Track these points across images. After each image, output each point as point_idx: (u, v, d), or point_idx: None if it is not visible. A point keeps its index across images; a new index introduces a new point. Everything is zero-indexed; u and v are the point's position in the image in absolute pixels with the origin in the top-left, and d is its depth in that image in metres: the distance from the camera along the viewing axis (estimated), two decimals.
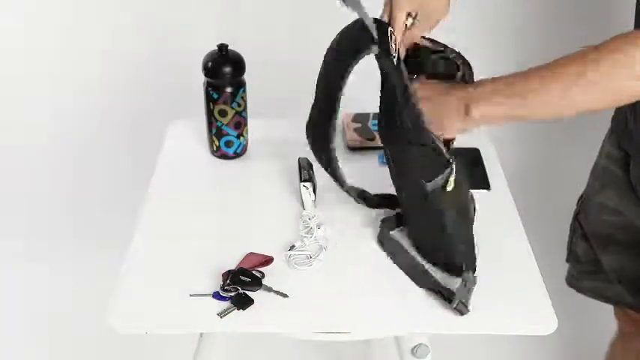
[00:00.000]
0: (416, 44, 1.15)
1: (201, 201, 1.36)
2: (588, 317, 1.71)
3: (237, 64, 1.40)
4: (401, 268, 1.17)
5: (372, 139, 1.46)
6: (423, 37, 1.15)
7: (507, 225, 1.27)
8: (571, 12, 2.00)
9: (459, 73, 1.13)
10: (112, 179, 2.24)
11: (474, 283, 1.11)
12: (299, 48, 2.08)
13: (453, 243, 1.13)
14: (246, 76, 1.41)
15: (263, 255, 1.19)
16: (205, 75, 1.39)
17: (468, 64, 1.13)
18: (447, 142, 1.11)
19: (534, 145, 2.28)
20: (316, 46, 2.14)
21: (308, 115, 1.21)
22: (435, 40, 1.16)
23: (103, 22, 2.09)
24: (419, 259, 1.19)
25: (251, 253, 1.20)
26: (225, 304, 1.10)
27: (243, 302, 1.10)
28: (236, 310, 1.09)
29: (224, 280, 1.13)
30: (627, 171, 1.31)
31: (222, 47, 1.38)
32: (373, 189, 1.30)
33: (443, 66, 1.14)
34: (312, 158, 1.36)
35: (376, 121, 1.27)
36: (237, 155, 1.46)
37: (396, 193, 1.21)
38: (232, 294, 1.11)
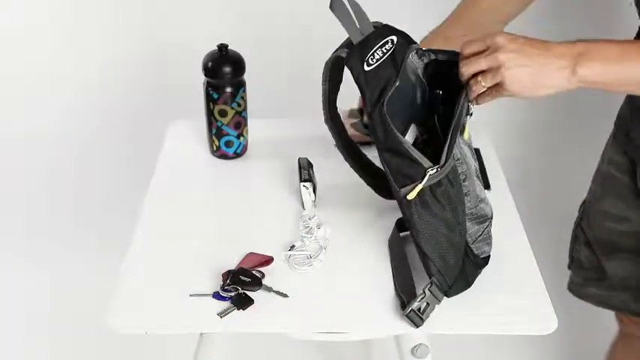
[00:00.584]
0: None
1: (201, 201, 1.36)
2: (588, 317, 1.71)
3: (237, 64, 1.40)
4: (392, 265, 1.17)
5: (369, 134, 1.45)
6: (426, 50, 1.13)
7: (507, 225, 1.26)
8: (570, 9, 1.99)
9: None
10: (112, 179, 2.24)
11: (437, 301, 1.07)
12: (299, 48, 2.08)
13: (426, 255, 1.09)
14: (246, 76, 1.41)
15: (263, 255, 1.19)
16: (205, 75, 1.39)
17: None
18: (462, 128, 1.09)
19: (534, 145, 2.27)
20: (316, 46, 2.14)
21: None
22: (442, 50, 1.13)
23: (102, 22, 2.09)
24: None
25: (251, 253, 1.20)
26: (225, 304, 1.10)
27: (243, 302, 1.10)
28: (236, 310, 1.09)
29: (224, 280, 1.13)
30: (633, 178, 1.30)
31: (222, 47, 1.38)
32: (373, 191, 1.30)
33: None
34: (312, 159, 1.36)
35: None
36: (237, 155, 1.46)
37: None
38: (232, 294, 1.11)
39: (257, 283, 1.13)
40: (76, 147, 2.24)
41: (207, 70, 1.39)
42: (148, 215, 1.30)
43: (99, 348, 1.90)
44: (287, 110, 2.00)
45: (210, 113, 1.42)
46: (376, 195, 1.30)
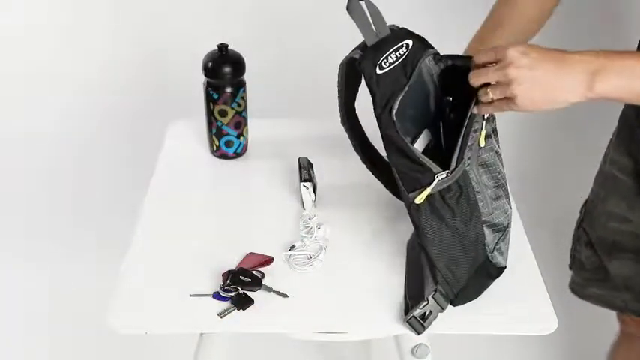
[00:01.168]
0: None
1: (201, 201, 1.36)
2: (588, 317, 1.71)
3: (237, 64, 1.40)
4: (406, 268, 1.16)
5: None
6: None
7: None
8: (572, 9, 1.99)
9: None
10: (112, 179, 2.25)
11: (440, 309, 1.06)
12: (299, 48, 2.08)
13: (432, 262, 1.07)
14: (246, 76, 1.41)
15: (263, 255, 1.19)
16: (205, 75, 1.39)
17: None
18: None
19: (535, 145, 2.28)
20: (316, 46, 2.15)
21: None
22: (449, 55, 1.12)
23: (102, 22, 2.09)
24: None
25: (251, 253, 1.20)
26: (225, 304, 1.10)
27: (243, 302, 1.10)
28: (236, 310, 1.09)
29: (224, 280, 1.13)
30: (636, 178, 1.30)
31: (222, 47, 1.38)
32: (373, 191, 1.30)
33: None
34: (312, 159, 1.36)
35: None
36: (237, 155, 1.46)
37: None
38: (232, 294, 1.11)
39: (257, 283, 1.13)
40: (76, 147, 2.24)
41: (207, 70, 1.39)
42: (148, 215, 1.30)
43: (99, 348, 1.90)
44: (287, 110, 2.00)
45: (210, 113, 1.42)
46: (376, 195, 1.30)
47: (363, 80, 1.08)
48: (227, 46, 1.39)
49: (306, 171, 1.32)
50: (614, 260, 1.39)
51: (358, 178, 1.34)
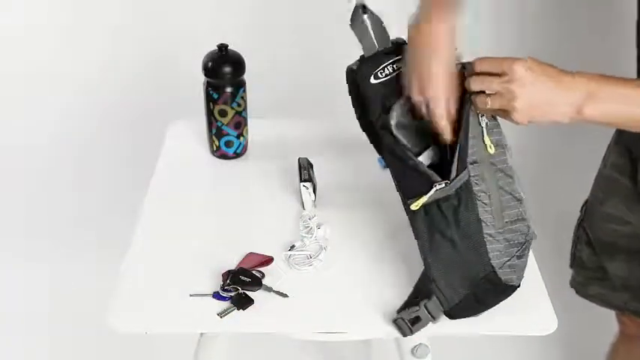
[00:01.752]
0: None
1: (201, 201, 1.36)
2: (588, 317, 1.71)
3: (237, 64, 1.40)
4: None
5: None
6: None
7: None
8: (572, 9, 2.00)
9: None
10: (112, 179, 2.25)
11: (431, 318, 1.05)
12: (299, 48, 2.08)
13: (427, 270, 1.06)
14: (246, 76, 1.41)
15: (263, 255, 1.19)
16: (205, 75, 1.39)
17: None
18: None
19: (535, 146, 2.28)
20: (316, 46, 2.14)
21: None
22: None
23: (103, 23, 2.09)
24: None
25: (251, 253, 1.20)
26: (225, 304, 1.10)
27: (243, 302, 1.10)
28: (236, 310, 1.09)
29: (224, 280, 1.13)
30: (634, 180, 1.30)
31: (222, 47, 1.38)
32: (373, 191, 1.30)
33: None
34: (312, 159, 1.36)
35: None
36: (237, 155, 1.46)
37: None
38: (232, 294, 1.11)
39: (257, 283, 1.13)
40: (76, 147, 2.24)
41: (207, 70, 1.39)
42: (148, 215, 1.30)
43: (99, 348, 1.90)
44: (287, 110, 2.00)
45: (210, 113, 1.42)
46: (376, 195, 1.30)
47: None
48: (227, 46, 1.39)
49: (306, 171, 1.32)
50: (612, 261, 1.39)
51: (358, 178, 1.34)
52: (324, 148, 1.46)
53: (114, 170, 2.24)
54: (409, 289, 1.14)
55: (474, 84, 1.01)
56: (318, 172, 1.35)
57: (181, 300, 1.11)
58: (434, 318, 1.06)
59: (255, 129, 1.48)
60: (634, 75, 1.22)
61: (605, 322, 1.65)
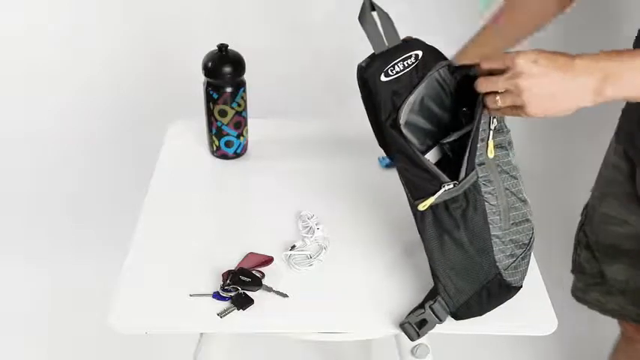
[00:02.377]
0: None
1: (201, 201, 1.36)
2: (588, 317, 1.71)
3: (237, 64, 1.40)
4: None
5: None
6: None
7: None
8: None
9: None
10: (112, 179, 2.25)
11: (438, 320, 1.05)
12: (299, 48, 2.08)
13: (433, 272, 1.06)
14: (246, 76, 1.41)
15: (263, 255, 1.19)
16: (205, 75, 1.39)
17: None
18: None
19: (535, 146, 2.28)
20: (316, 46, 2.14)
21: None
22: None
23: (103, 23, 2.09)
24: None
25: (251, 253, 1.20)
26: (225, 304, 1.10)
27: (243, 302, 1.10)
28: (236, 310, 1.09)
29: (224, 280, 1.13)
30: (633, 181, 1.30)
31: (222, 47, 1.38)
32: (373, 191, 1.30)
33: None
34: (312, 159, 1.36)
35: None
36: (237, 155, 1.46)
37: None
38: (232, 294, 1.11)
39: (257, 283, 1.13)
40: (76, 147, 2.24)
41: (207, 70, 1.39)
42: (148, 215, 1.30)
43: (99, 348, 1.90)
44: (287, 110, 2.00)
45: (210, 113, 1.42)
46: (376, 195, 1.30)
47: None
48: (227, 46, 1.39)
49: None
50: (611, 264, 1.39)
51: (358, 178, 1.34)
52: (324, 148, 1.46)
53: (114, 170, 2.24)
54: (409, 289, 1.14)
55: (482, 85, 1.00)
56: (317, 173, 1.35)
57: (181, 300, 1.11)
58: (440, 320, 1.06)
59: (255, 129, 1.48)
60: None
61: (605, 322, 1.65)
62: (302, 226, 1.26)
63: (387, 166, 1.38)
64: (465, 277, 1.05)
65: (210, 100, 1.40)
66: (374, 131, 1.13)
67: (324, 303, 1.12)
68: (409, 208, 1.06)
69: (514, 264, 1.07)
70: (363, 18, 1.05)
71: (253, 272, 1.15)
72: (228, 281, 1.12)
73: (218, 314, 1.08)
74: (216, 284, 1.13)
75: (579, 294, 1.50)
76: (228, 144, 1.44)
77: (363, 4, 1.05)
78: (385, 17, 1.05)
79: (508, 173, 1.07)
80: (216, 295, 1.11)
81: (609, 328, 1.63)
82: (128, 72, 2.13)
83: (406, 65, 1.05)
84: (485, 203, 1.04)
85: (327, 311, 1.11)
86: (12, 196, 2.26)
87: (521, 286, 1.10)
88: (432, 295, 1.07)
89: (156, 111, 2.03)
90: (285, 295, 1.12)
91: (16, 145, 2.22)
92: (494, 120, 1.04)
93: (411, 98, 1.04)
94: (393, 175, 1.10)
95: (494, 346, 1.91)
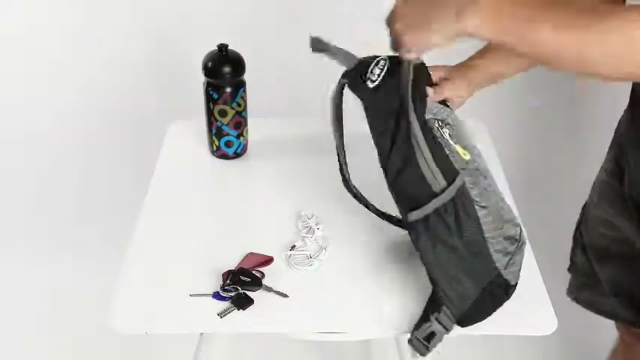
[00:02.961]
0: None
1: (201, 201, 1.36)
2: (588, 317, 1.70)
3: (237, 64, 1.40)
4: None
5: None
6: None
7: None
8: None
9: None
10: (112, 179, 2.24)
11: (445, 331, 1.04)
12: (299, 48, 2.07)
13: (433, 282, 1.05)
14: (246, 76, 1.41)
15: (263, 255, 1.19)
16: (205, 75, 1.39)
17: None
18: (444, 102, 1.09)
19: (535, 145, 2.27)
20: None
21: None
22: None
23: (102, 22, 2.09)
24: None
25: (251, 253, 1.20)
26: (225, 304, 1.10)
27: (243, 302, 1.10)
28: (236, 310, 1.09)
29: (224, 280, 1.13)
30: (622, 185, 1.30)
31: (222, 47, 1.38)
32: (373, 191, 1.30)
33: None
34: (311, 158, 1.36)
35: None
36: (237, 155, 1.46)
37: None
38: (232, 294, 1.11)
39: (257, 283, 1.13)
40: (76, 147, 2.24)
41: (207, 70, 1.39)
42: (148, 215, 1.30)
43: (99, 348, 1.90)
44: (287, 110, 2.00)
45: (210, 113, 1.42)
46: (377, 195, 1.30)
47: None
48: (227, 46, 1.39)
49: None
50: (603, 266, 1.39)
51: (359, 177, 1.34)
52: (324, 148, 1.45)
53: (114, 170, 2.23)
54: (410, 289, 1.14)
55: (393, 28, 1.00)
56: (317, 173, 1.35)
57: (181, 300, 1.11)
58: (447, 330, 1.05)
59: (255, 129, 1.48)
60: None
61: (605, 323, 1.65)
62: (302, 226, 1.26)
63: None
64: (466, 282, 1.04)
65: (210, 100, 1.40)
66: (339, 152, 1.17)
67: (324, 303, 1.12)
68: None
69: (510, 261, 1.07)
70: (316, 46, 1.08)
71: (253, 272, 1.15)
72: (228, 281, 1.12)
73: (218, 314, 1.08)
74: (216, 284, 1.13)
75: (573, 291, 1.51)
76: (228, 144, 1.44)
77: (311, 39, 1.08)
78: (335, 47, 1.08)
79: (482, 174, 1.07)
80: (216, 295, 1.11)
81: (609, 329, 1.63)
82: (128, 72, 2.13)
83: (381, 67, 1.04)
84: (477, 206, 1.02)
85: (327, 311, 1.11)
86: (12, 196, 2.26)
87: (517, 284, 1.10)
88: (434, 305, 1.06)
89: (156, 111, 2.03)
90: (285, 295, 1.12)
91: (16, 145, 2.21)
92: (436, 123, 1.04)
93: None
94: None
95: (494, 346, 1.91)
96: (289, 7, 2.06)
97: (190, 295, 1.12)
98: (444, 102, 1.14)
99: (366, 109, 1.05)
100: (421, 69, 1.09)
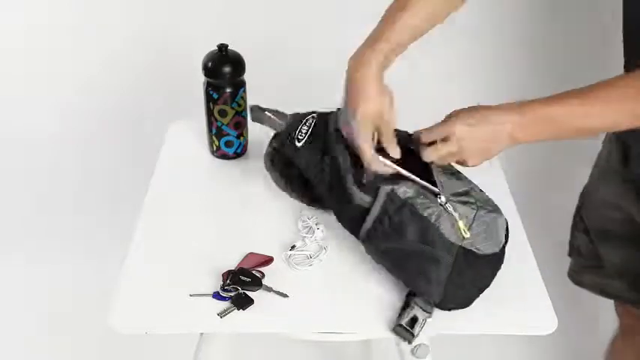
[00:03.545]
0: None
1: (201, 201, 1.36)
2: (588, 317, 1.71)
3: (237, 64, 1.40)
4: None
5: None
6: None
7: None
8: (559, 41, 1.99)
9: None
10: (112, 179, 2.24)
11: (426, 314, 1.07)
12: (299, 48, 2.08)
13: (405, 281, 1.12)
14: (246, 76, 1.41)
15: (263, 255, 1.19)
16: (205, 75, 1.39)
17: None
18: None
19: (537, 151, 2.27)
20: (316, 46, 2.15)
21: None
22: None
23: (102, 22, 2.09)
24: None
25: (251, 253, 1.20)
26: (225, 304, 1.10)
27: (243, 302, 1.10)
28: (236, 310, 1.09)
29: (224, 280, 1.13)
30: (627, 166, 1.32)
31: (222, 47, 1.38)
32: None
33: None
34: None
35: None
36: (237, 155, 1.46)
37: None
38: (232, 294, 1.11)
39: (257, 283, 1.13)
40: (76, 147, 2.24)
41: (207, 70, 1.39)
42: (148, 215, 1.30)
43: (99, 348, 1.90)
44: (287, 110, 2.00)
45: (210, 113, 1.42)
46: None
47: None
48: (227, 46, 1.39)
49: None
50: (607, 248, 1.41)
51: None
52: None
53: (114, 170, 2.23)
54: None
55: (428, 155, 1.13)
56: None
57: (181, 300, 1.11)
58: (429, 313, 1.07)
59: (255, 129, 1.48)
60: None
61: (604, 322, 1.65)
62: (302, 226, 1.26)
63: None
64: (431, 270, 1.07)
65: (210, 100, 1.40)
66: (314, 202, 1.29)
67: (324, 303, 1.12)
68: None
69: (473, 231, 1.08)
70: (255, 116, 1.32)
71: (253, 272, 1.15)
72: (228, 281, 1.12)
73: (218, 314, 1.08)
74: (216, 284, 1.13)
75: (575, 275, 1.51)
76: (228, 144, 1.44)
77: (251, 108, 1.33)
78: (272, 110, 1.30)
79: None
80: (216, 295, 1.11)
81: (609, 328, 1.63)
82: (128, 72, 2.13)
83: (309, 126, 1.22)
84: (409, 201, 1.08)
85: (327, 311, 1.11)
86: (12, 196, 2.26)
87: (498, 253, 1.10)
88: (414, 292, 1.09)
89: (156, 111, 2.02)
90: (285, 295, 1.12)
91: (16, 145, 2.21)
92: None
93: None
94: None
95: (494, 346, 1.91)
96: (289, 8, 2.06)
97: (190, 295, 1.12)
98: (450, 169, 1.18)
99: (298, 164, 1.22)
100: None
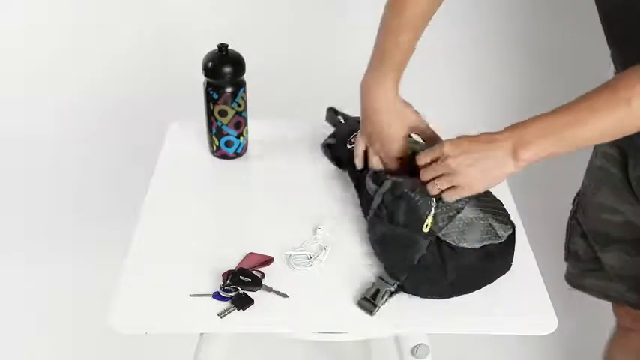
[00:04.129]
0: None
1: (201, 201, 1.36)
2: (588, 317, 1.71)
3: (237, 64, 1.40)
4: None
5: None
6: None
7: None
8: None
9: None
10: (112, 179, 2.25)
11: (388, 285, 1.11)
12: (299, 48, 2.08)
13: (377, 254, 1.19)
14: (246, 76, 1.41)
15: (263, 255, 1.19)
16: (205, 75, 1.39)
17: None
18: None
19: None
20: (316, 46, 2.14)
21: None
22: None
23: (103, 23, 2.09)
24: None
25: (251, 253, 1.20)
26: (225, 304, 1.10)
27: (243, 302, 1.10)
28: (236, 310, 1.09)
29: (224, 280, 1.13)
30: (625, 171, 1.31)
31: (222, 47, 1.38)
32: None
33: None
34: (312, 160, 1.36)
35: None
36: (237, 155, 1.46)
37: None
38: (232, 294, 1.11)
39: (257, 283, 1.13)
40: (76, 147, 2.24)
41: (207, 70, 1.39)
42: (148, 215, 1.30)
43: (99, 348, 1.90)
44: (287, 110, 2.00)
45: (210, 113, 1.42)
46: None
47: None
48: (227, 46, 1.39)
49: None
50: (606, 251, 1.40)
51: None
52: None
53: (114, 170, 2.24)
54: None
55: (424, 176, 1.14)
56: (318, 172, 1.35)
57: (181, 300, 1.11)
58: (389, 284, 1.11)
59: (255, 129, 1.48)
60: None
61: (604, 322, 1.65)
62: (302, 226, 1.26)
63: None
64: (403, 250, 1.13)
65: (210, 100, 1.40)
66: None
67: (324, 303, 1.12)
68: None
69: (445, 222, 1.12)
70: (330, 118, 1.44)
71: (253, 272, 1.15)
72: (228, 281, 1.12)
73: (218, 314, 1.08)
74: (216, 284, 1.13)
75: (573, 279, 1.51)
76: (228, 144, 1.44)
77: (327, 110, 1.44)
78: (343, 113, 1.42)
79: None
80: (216, 295, 1.11)
81: (608, 328, 1.63)
82: (128, 72, 2.13)
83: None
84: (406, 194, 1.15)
85: (327, 311, 1.11)
86: (12, 196, 2.26)
87: (484, 246, 1.11)
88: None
89: (156, 111, 2.03)
90: (285, 295, 1.12)
91: (16, 145, 2.22)
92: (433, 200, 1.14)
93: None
94: None
95: (494, 346, 1.91)
96: (289, 8, 2.06)
97: (190, 295, 1.12)
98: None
99: (347, 164, 1.33)
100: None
